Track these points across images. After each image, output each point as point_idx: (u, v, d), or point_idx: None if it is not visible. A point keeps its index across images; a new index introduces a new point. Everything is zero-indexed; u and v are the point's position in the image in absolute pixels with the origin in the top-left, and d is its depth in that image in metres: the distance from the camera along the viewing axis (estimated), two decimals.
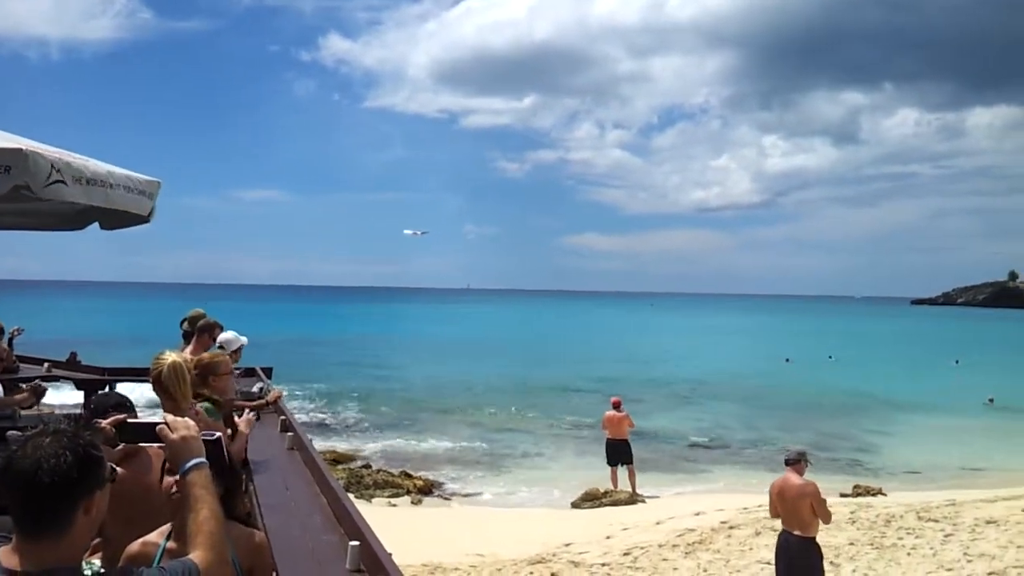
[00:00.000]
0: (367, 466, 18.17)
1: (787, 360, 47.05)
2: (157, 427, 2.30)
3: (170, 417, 2.34)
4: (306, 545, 4.10)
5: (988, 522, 12.40)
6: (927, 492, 16.66)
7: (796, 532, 8.12)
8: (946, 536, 11.81)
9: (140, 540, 2.76)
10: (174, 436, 2.27)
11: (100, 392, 3.56)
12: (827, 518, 8.22)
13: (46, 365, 10.97)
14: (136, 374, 10.66)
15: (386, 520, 13.22)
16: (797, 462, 8.26)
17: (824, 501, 8.17)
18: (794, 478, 8.16)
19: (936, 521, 12.65)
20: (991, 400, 32.79)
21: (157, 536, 2.76)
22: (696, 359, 49.48)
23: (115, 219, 7.19)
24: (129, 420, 2.72)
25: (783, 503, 8.22)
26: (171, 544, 2.72)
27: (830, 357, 48.77)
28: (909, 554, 11.05)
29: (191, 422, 2.34)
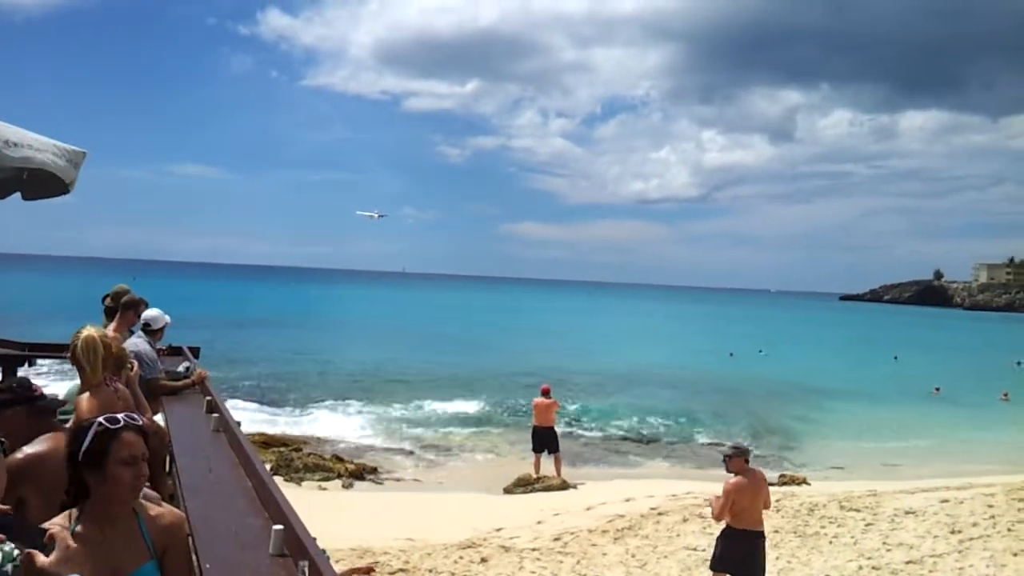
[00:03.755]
0: (297, 449, 17.90)
1: (731, 355, 47.64)
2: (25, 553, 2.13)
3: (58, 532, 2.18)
4: (229, 528, 3.97)
5: (907, 512, 12.79)
6: (850, 482, 17.12)
7: (760, 528, 8.38)
8: (867, 525, 12.14)
9: (47, 523, 2.65)
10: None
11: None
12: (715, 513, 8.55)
13: None
14: (58, 350, 10.28)
15: (316, 504, 13.08)
16: (747, 460, 8.47)
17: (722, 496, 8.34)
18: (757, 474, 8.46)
19: (858, 511, 12.99)
20: (937, 390, 33.95)
21: (63, 519, 2.65)
22: (631, 349, 50.02)
23: (38, 189, 6.92)
24: None
25: (757, 502, 8.35)
26: (79, 528, 2.63)
27: (760, 351, 49.77)
28: (831, 542, 11.33)
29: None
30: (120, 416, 2.73)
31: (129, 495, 2.69)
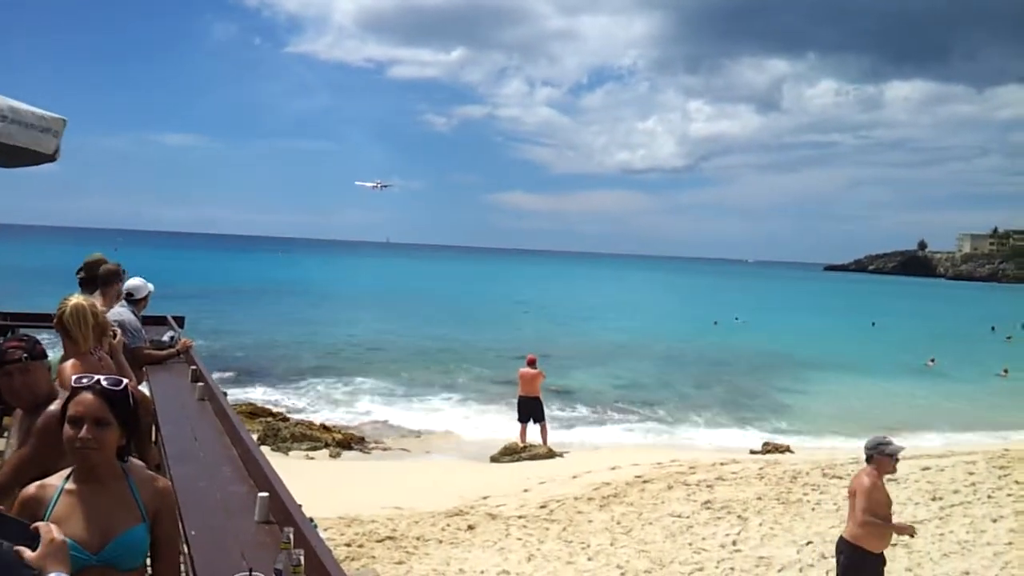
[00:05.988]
0: (284, 419, 17.90)
1: (715, 323, 48.06)
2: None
3: (43, 526, 2.11)
4: (214, 496, 3.98)
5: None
6: (833, 450, 17.29)
7: (845, 535, 7.03)
8: None
9: (38, 483, 2.67)
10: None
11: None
12: (862, 515, 6.86)
13: None
14: (41, 320, 10.21)
15: (304, 473, 13.12)
16: (868, 459, 7.11)
17: (867, 495, 6.93)
18: (863, 474, 7.05)
19: (840, 478, 13.09)
20: (932, 361, 34.02)
21: (56, 479, 2.66)
22: (615, 320, 50.19)
23: (19, 157, 6.81)
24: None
25: (852, 504, 7.05)
26: (69, 485, 2.64)
27: (736, 319, 50.24)
28: (814, 509, 11.44)
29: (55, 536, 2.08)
30: (94, 376, 2.70)
31: (71, 454, 2.63)
